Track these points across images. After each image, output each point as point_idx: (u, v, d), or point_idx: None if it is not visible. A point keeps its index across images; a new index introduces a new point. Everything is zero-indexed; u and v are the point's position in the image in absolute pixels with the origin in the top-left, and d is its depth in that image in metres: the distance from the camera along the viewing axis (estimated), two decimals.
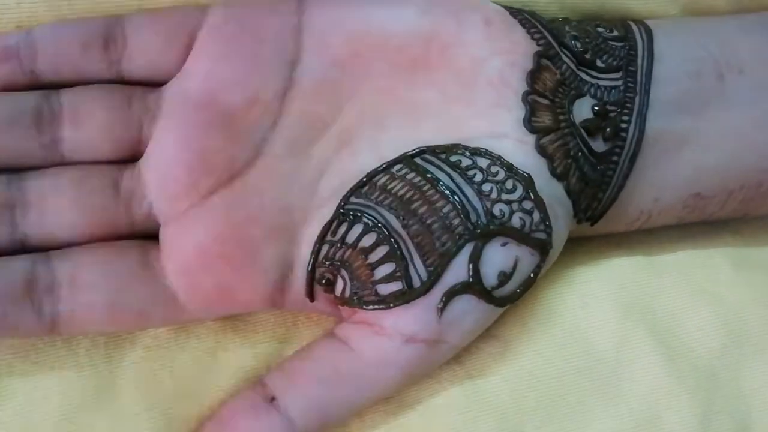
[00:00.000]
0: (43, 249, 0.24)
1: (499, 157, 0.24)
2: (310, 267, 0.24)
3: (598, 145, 0.26)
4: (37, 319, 0.23)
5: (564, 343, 0.26)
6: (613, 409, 0.26)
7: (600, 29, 0.27)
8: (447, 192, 0.24)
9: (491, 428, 0.25)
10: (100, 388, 0.24)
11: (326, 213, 0.24)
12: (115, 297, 0.23)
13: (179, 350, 0.25)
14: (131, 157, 0.24)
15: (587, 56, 0.26)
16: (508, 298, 0.24)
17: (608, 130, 0.26)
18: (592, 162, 0.25)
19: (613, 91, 0.26)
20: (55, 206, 0.23)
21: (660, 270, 0.28)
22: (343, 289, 0.24)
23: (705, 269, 0.29)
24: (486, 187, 0.24)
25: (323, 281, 0.24)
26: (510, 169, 0.24)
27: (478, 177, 0.24)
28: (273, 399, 0.24)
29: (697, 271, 0.28)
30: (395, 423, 0.25)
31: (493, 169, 0.24)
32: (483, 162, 0.24)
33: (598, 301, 0.27)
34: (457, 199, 0.24)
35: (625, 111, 0.26)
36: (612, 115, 0.26)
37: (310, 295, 0.24)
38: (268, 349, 0.26)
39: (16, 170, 0.24)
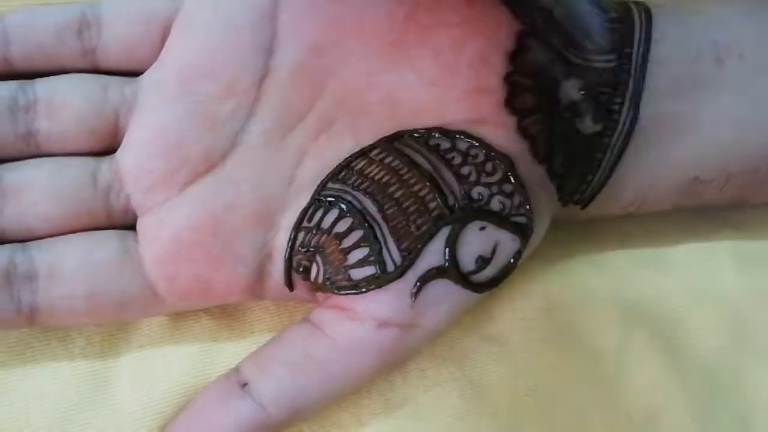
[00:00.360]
0: (21, 241, 0.23)
1: (479, 140, 0.24)
2: (287, 255, 0.24)
3: (586, 127, 0.25)
4: (16, 310, 0.23)
5: (564, 344, 0.26)
6: (613, 411, 0.25)
7: (597, 10, 0.26)
8: (424, 175, 0.23)
9: (490, 430, 0.25)
10: (95, 386, 0.24)
11: (304, 200, 0.24)
12: (94, 288, 0.23)
13: (175, 348, 0.25)
14: (108, 148, 0.24)
15: (577, 36, 0.25)
16: (487, 284, 0.24)
17: (597, 111, 0.25)
18: (578, 144, 0.25)
19: (605, 72, 0.25)
20: (32, 198, 0.23)
21: (661, 268, 0.28)
22: (317, 274, 0.24)
23: (706, 267, 0.28)
24: (465, 170, 0.23)
25: (300, 269, 0.24)
26: (490, 151, 0.24)
27: (457, 160, 0.24)
28: (245, 385, 0.23)
29: (699, 269, 0.28)
30: (393, 424, 0.25)
31: (473, 151, 0.24)
32: (462, 145, 0.24)
33: (599, 300, 0.27)
34: (435, 182, 0.23)
35: (618, 93, 0.25)
36: (603, 97, 0.25)
37: (289, 284, 0.24)
38: None
39: None
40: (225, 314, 0.26)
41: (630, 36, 0.26)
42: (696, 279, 0.28)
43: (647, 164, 0.26)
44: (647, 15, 0.26)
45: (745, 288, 0.28)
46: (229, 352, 0.25)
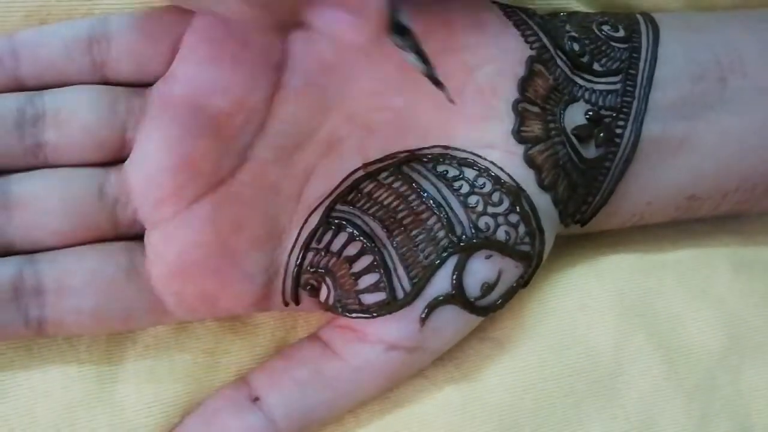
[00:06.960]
0: (29, 253, 0.24)
1: (487, 169, 0.24)
2: (294, 273, 0.24)
3: (589, 152, 0.25)
4: (24, 322, 0.23)
5: (562, 345, 0.27)
6: (610, 412, 0.26)
7: (605, 27, 0.26)
8: (432, 204, 0.24)
9: (488, 430, 0.25)
10: (101, 384, 0.25)
11: (312, 219, 0.25)
12: (101, 302, 0.23)
13: (179, 350, 0.25)
14: (116, 160, 0.24)
15: (584, 59, 0.26)
16: (489, 308, 0.25)
17: (601, 135, 0.25)
18: (581, 168, 0.25)
19: (609, 95, 0.26)
20: (39, 210, 0.23)
21: (659, 271, 0.28)
22: (327, 296, 0.24)
23: (705, 270, 0.29)
24: (472, 200, 0.24)
25: (308, 287, 0.25)
26: (497, 181, 0.24)
27: (465, 189, 0.24)
28: (257, 399, 0.24)
29: (697, 273, 0.28)
30: (392, 424, 0.26)
31: (480, 181, 0.24)
32: (470, 173, 0.24)
33: (597, 302, 0.27)
34: (443, 212, 0.24)
35: (621, 116, 0.25)
36: (606, 120, 0.25)
37: (296, 299, 0.25)
38: (267, 352, 0.26)
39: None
40: (229, 318, 0.26)
41: (636, 57, 0.26)
42: (694, 281, 0.28)
43: (646, 184, 0.27)
44: (654, 32, 0.26)
45: (742, 290, 0.28)
46: (233, 354, 0.26)
